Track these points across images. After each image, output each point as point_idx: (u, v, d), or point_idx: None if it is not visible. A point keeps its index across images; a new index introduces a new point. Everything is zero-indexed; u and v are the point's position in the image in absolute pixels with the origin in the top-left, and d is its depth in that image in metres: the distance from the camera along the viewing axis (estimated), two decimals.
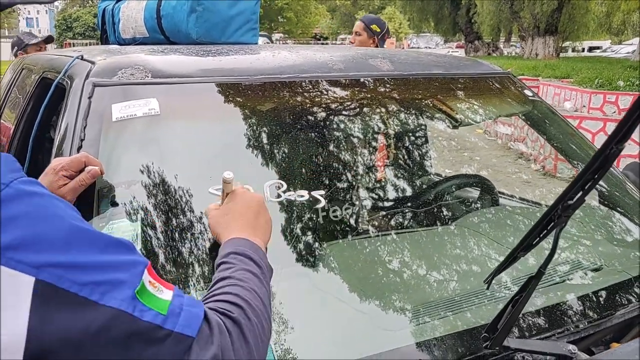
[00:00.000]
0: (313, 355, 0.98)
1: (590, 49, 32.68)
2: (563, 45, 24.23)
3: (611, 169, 1.82)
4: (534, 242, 0.82)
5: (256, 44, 2.06)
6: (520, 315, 1.15)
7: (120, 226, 1.08)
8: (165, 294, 0.62)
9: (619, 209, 1.73)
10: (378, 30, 3.73)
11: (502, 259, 1.00)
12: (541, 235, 0.80)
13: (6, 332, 0.52)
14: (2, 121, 2.45)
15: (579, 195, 0.72)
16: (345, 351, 1.01)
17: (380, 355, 1.00)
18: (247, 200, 0.97)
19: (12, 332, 0.52)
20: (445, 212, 1.59)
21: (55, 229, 0.57)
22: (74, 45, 43.65)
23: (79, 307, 0.55)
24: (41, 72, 1.91)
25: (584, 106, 8.09)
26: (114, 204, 1.12)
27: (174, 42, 2.00)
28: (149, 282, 0.61)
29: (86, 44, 43.61)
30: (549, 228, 0.78)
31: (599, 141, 7.29)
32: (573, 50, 28.88)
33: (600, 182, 1.78)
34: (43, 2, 0.70)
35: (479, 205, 1.75)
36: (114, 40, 2.36)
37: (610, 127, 7.39)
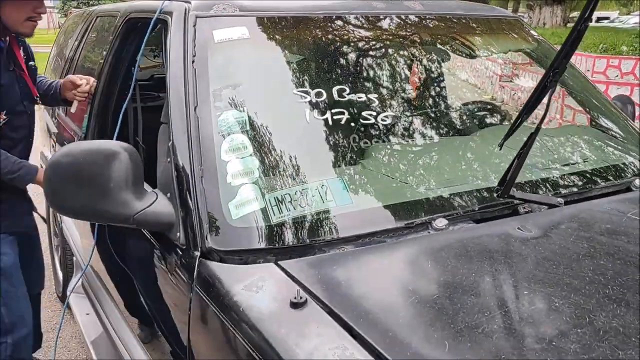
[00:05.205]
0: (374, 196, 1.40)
1: (598, 20, 32.51)
2: (571, 15, 24.19)
3: (603, 99, 2.21)
4: (534, 104, 1.21)
5: None
6: (524, 183, 1.56)
7: (231, 113, 1.49)
8: None
9: (607, 129, 2.11)
10: None
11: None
12: (539, 97, 1.19)
13: None
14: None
15: (563, 63, 1.10)
16: (393, 198, 1.43)
17: (421, 201, 1.42)
18: None
19: None
20: (471, 125, 1.98)
21: None
22: None
23: None
24: (125, 15, 2.29)
25: (588, 70, 8.39)
26: (225, 99, 1.52)
27: None
28: None
29: None
30: (544, 91, 1.16)
31: None
32: None
33: (592, 111, 2.18)
34: None
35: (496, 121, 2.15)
36: None
37: (613, 90, 7.68)
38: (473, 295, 1.05)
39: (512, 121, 1.33)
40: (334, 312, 1.02)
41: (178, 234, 1.38)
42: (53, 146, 3.17)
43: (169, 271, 1.43)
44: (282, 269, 1.18)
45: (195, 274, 1.27)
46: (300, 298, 1.06)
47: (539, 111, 1.30)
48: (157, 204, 1.41)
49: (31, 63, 2.38)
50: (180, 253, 1.35)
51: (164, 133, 2.27)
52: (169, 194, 1.45)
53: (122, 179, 1.34)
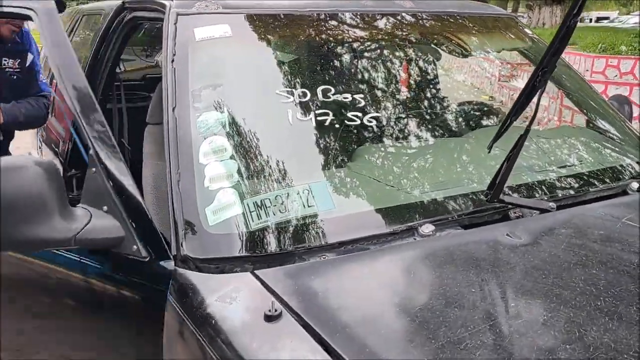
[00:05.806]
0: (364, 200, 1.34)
1: (598, 20, 32.46)
2: None
3: (599, 99, 2.15)
4: (523, 104, 1.15)
5: None
6: (516, 186, 1.50)
7: (211, 114, 1.43)
8: None
9: (603, 131, 2.05)
10: None
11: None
12: (529, 97, 1.13)
13: None
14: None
15: (552, 61, 1.05)
16: (378, 203, 1.37)
17: (407, 206, 1.36)
18: None
19: None
20: (462, 125, 1.92)
21: None
22: None
23: None
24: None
25: (587, 70, 8.33)
26: (204, 100, 1.46)
27: None
28: None
29: None
30: (533, 91, 1.11)
31: None
32: (580, 20, 28.68)
33: (588, 111, 2.12)
34: None
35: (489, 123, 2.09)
36: None
37: (612, 90, 7.62)
38: (457, 308, 0.99)
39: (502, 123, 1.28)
40: (309, 326, 0.97)
41: (135, 246, 1.28)
42: (39, 147, 3.11)
43: (126, 287, 1.37)
44: (258, 279, 1.12)
45: (170, 283, 1.21)
46: (275, 310, 1.01)
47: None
48: (96, 219, 1.27)
49: (10, 72, 2.36)
50: (143, 266, 1.28)
51: (150, 134, 2.22)
52: (105, 207, 1.31)
53: (41, 198, 1.15)
